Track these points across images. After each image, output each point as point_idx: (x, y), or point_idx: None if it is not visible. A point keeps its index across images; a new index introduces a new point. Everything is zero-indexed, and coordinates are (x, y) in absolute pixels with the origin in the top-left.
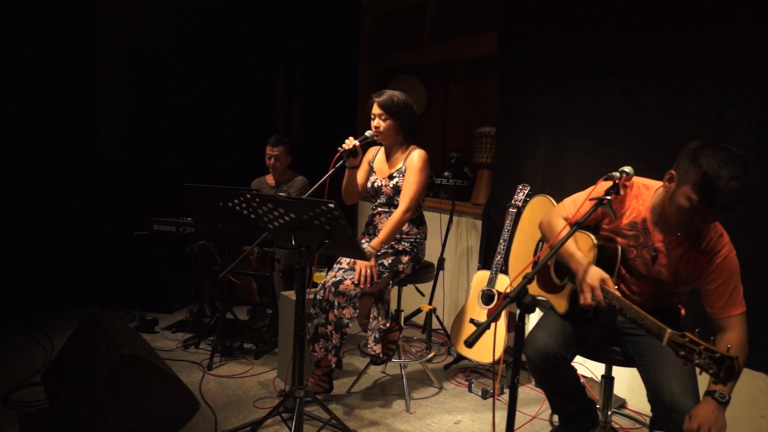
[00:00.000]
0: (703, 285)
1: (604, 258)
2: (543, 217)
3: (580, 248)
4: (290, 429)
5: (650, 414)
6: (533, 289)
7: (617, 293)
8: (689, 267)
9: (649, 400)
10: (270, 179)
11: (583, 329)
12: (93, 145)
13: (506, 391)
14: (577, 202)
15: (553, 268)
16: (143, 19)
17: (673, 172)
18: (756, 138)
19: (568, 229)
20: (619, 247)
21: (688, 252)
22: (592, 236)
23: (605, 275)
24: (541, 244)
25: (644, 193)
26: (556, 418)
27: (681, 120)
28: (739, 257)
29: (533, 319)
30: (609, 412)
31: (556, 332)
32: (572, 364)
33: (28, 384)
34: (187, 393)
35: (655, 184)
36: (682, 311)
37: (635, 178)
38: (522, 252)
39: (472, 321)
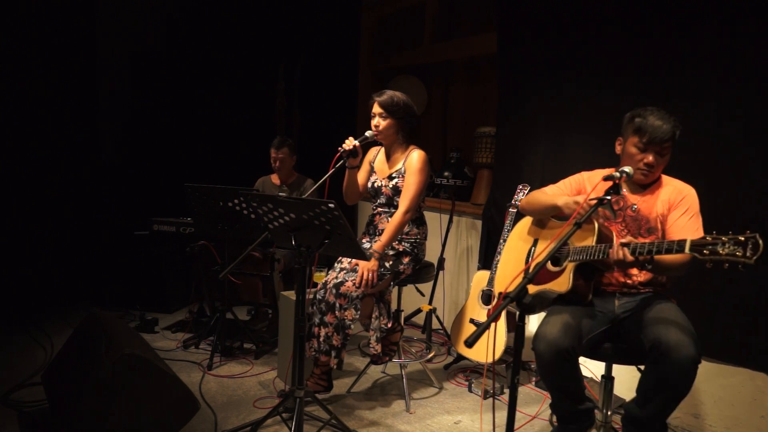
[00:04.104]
0: (670, 214)
1: (603, 236)
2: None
3: (583, 234)
4: (290, 429)
5: None
6: (531, 287)
7: (632, 240)
8: (665, 207)
9: (649, 349)
10: (275, 179)
11: (585, 322)
12: (93, 145)
13: (506, 391)
14: (561, 188)
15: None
16: (143, 19)
17: (620, 137)
18: (755, 139)
19: (555, 189)
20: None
21: (660, 200)
22: (594, 221)
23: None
24: (533, 250)
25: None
26: (555, 418)
27: (681, 121)
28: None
29: (533, 319)
30: (609, 412)
31: (564, 325)
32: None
33: (28, 384)
34: (187, 393)
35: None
36: (674, 302)
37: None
38: (511, 266)
39: (472, 321)
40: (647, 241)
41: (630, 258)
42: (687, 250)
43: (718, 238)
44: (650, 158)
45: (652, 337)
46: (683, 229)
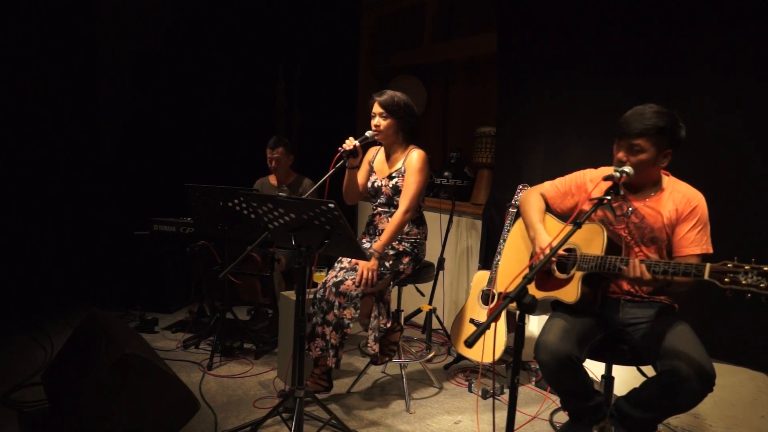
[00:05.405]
0: (678, 226)
1: (613, 244)
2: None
3: (590, 239)
4: (290, 429)
5: None
6: (538, 293)
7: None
8: (672, 216)
9: (662, 371)
10: (273, 179)
11: (587, 327)
12: (93, 145)
13: (506, 391)
14: (558, 186)
15: (555, 265)
16: (143, 19)
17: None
18: (755, 138)
19: (540, 199)
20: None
21: (666, 209)
22: (602, 228)
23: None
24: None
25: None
26: (556, 417)
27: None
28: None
29: (534, 320)
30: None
31: (565, 332)
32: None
33: (28, 384)
34: (187, 393)
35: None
36: (676, 306)
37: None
38: (514, 266)
39: (472, 321)
40: (649, 250)
41: (648, 276)
42: (706, 276)
43: (740, 266)
44: (621, 154)
45: (669, 366)
46: (691, 243)
